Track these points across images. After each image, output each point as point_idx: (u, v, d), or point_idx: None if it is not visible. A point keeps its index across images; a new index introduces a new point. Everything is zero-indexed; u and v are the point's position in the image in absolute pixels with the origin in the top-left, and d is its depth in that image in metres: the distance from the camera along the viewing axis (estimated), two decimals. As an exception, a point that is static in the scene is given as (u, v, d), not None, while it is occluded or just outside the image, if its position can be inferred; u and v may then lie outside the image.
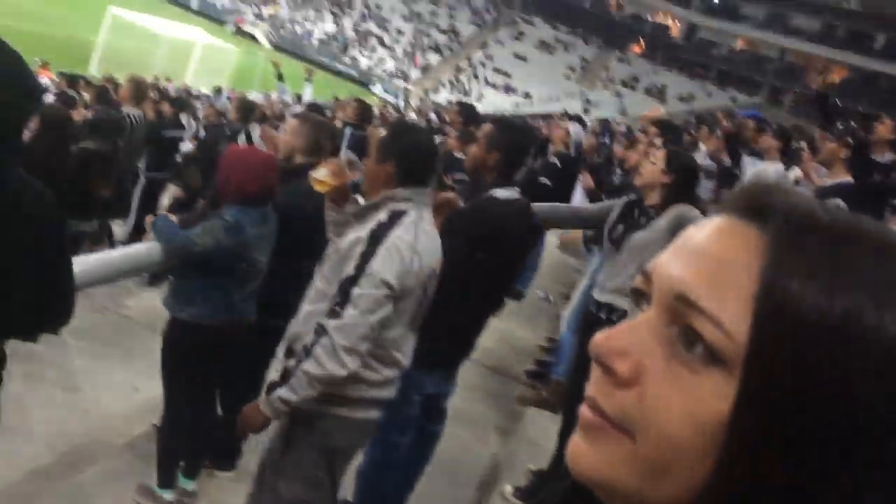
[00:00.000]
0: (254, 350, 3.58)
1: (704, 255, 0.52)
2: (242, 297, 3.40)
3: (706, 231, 0.53)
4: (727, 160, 6.71)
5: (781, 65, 52.37)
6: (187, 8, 46.95)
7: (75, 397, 4.44)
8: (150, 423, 3.93)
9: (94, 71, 14.74)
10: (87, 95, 8.12)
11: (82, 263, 3.03)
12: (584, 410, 0.53)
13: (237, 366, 3.56)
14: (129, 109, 6.74)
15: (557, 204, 4.42)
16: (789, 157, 6.78)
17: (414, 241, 2.50)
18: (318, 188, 2.74)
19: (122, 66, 15.81)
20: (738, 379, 0.48)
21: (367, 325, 2.43)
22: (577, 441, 0.53)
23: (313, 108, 7.89)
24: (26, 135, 4.80)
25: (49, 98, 7.56)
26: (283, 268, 3.53)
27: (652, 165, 3.59)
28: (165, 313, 3.44)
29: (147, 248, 3.44)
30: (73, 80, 9.89)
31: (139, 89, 6.99)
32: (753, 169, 6.42)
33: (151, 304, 4.17)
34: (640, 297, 0.56)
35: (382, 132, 2.73)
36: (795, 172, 6.21)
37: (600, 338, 0.53)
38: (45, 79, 11.33)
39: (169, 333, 3.43)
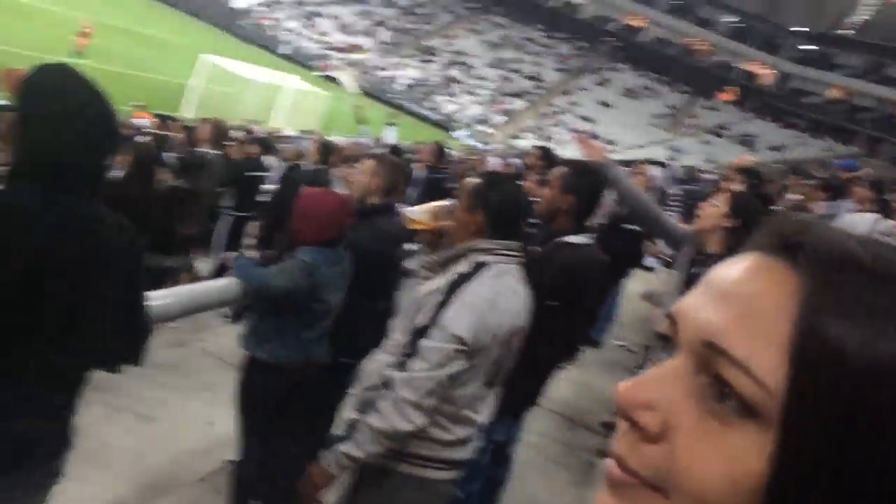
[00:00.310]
0: (326, 389, 3.59)
1: (733, 297, 0.47)
2: (315, 336, 3.42)
3: (734, 271, 0.49)
4: (819, 209, 6.48)
5: (879, 114, 50.75)
6: (277, 54, 48.54)
7: (153, 428, 4.52)
8: (224, 458, 3.97)
9: (186, 113, 15.37)
10: (178, 136, 8.47)
11: (162, 297, 3.11)
12: (611, 467, 0.49)
13: (310, 405, 3.57)
14: (208, 150, 6.97)
15: (644, 196, 3.93)
16: (883, 208, 6.52)
17: (494, 295, 2.39)
18: (412, 227, 2.71)
19: (212, 109, 16.43)
20: (775, 433, 0.43)
21: (435, 379, 2.32)
22: (605, 499, 0.49)
23: (392, 149, 8.02)
24: (118, 172, 5.02)
25: (144, 138, 7.90)
26: (356, 307, 3.55)
27: (713, 208, 3.30)
28: (242, 350, 3.49)
29: (225, 285, 3.51)
30: (165, 122, 10.34)
31: (218, 131, 7.22)
32: (844, 218, 6.18)
33: (230, 340, 4.26)
34: (666, 342, 0.51)
35: (473, 180, 2.64)
36: (888, 224, 5.94)
37: (625, 389, 0.48)
38: (143, 120, 11.87)
39: (244, 371, 3.47)
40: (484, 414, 2.58)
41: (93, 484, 3.71)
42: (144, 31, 35.33)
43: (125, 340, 2.10)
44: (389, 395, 2.34)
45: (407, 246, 3.78)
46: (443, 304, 2.36)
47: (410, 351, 2.36)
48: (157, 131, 8.46)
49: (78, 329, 1.92)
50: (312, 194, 3.40)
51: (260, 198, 7.68)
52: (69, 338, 1.91)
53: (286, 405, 3.45)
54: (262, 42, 50.32)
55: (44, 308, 1.84)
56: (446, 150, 8.69)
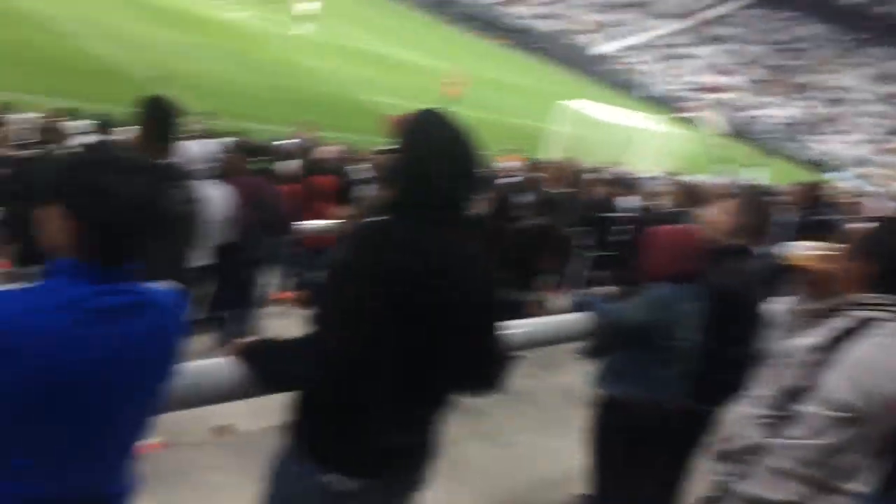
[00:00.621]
0: (680, 434, 3.48)
1: None
2: (672, 377, 3.33)
3: None
4: None
5: None
6: (636, 96, 48.59)
7: (509, 454, 4.73)
8: (574, 491, 4.00)
9: (545, 156, 16.09)
10: (538, 177, 8.89)
11: (517, 327, 3.25)
12: None
13: (662, 448, 3.48)
14: (559, 189, 7.21)
15: None
16: None
17: (884, 358, 2.10)
18: (797, 266, 2.51)
19: (571, 151, 16.99)
20: None
21: (814, 448, 2.12)
22: None
23: (755, 190, 7.62)
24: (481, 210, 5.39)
25: (506, 179, 8.41)
26: (713, 350, 3.40)
27: None
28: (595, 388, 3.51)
29: (578, 319, 3.58)
30: (527, 164, 10.93)
31: (572, 172, 7.45)
32: None
33: (581, 377, 4.34)
34: None
35: (862, 226, 2.39)
36: None
37: None
38: (507, 163, 12.73)
39: (596, 408, 3.49)
40: (864, 487, 2.28)
41: (450, 497, 3.96)
42: (506, 80, 37.70)
43: (483, 367, 2.23)
44: (763, 461, 2.20)
45: (770, 291, 3.55)
46: (822, 364, 2.15)
47: (783, 412, 2.19)
48: (519, 173, 8.99)
49: (441, 353, 2.07)
50: (664, 230, 3.37)
51: (614, 237, 7.76)
52: (433, 361, 2.06)
53: (638, 445, 3.39)
54: (621, 85, 50.81)
55: (414, 332, 2.01)
56: (823, 192, 8.04)
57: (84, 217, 1.63)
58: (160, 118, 3.71)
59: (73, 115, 10.86)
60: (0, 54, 17.22)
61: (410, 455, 2.20)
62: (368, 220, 2.21)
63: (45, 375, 1.60)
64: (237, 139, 9.02)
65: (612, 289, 3.75)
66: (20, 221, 5.15)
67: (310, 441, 2.11)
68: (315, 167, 8.15)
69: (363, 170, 7.87)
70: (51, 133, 7.89)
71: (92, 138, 8.09)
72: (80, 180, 1.65)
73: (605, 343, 3.48)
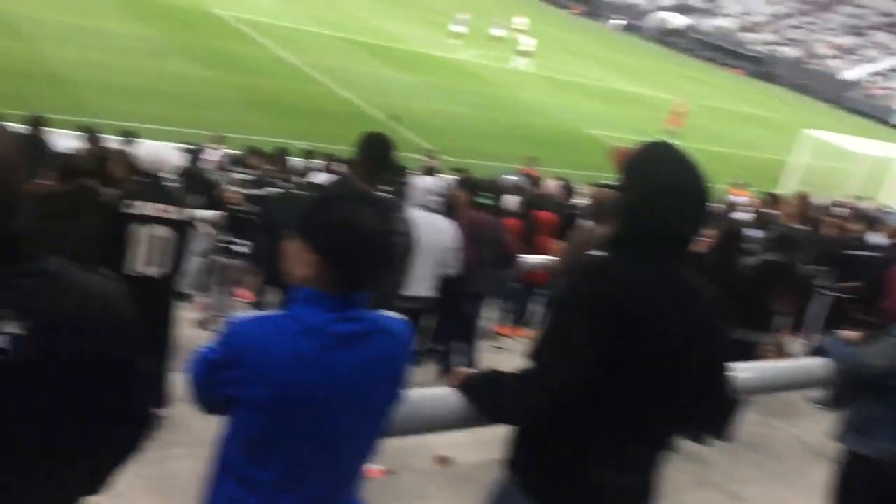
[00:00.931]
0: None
1: None
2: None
3: None
4: None
5: None
6: (891, 125, 44.62)
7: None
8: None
9: (786, 190, 15.02)
10: (775, 213, 8.45)
11: (747, 370, 3.06)
12: None
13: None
14: (797, 225, 6.81)
15: None
16: None
17: None
18: None
19: (814, 185, 15.94)
20: None
21: None
22: None
23: None
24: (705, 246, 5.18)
25: (738, 214, 8.08)
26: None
27: None
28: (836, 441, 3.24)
29: (814, 364, 3.33)
30: (764, 199, 10.39)
31: (804, 206, 7.02)
32: None
33: (821, 427, 3.99)
34: None
35: None
36: None
37: None
38: (738, 197, 12.21)
39: (840, 466, 3.21)
40: None
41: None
42: (740, 110, 36.07)
43: (708, 409, 2.12)
44: None
45: None
46: None
47: None
48: (751, 207, 8.59)
49: (663, 392, 1.99)
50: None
51: (857, 277, 7.17)
52: (654, 399, 1.99)
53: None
54: (873, 113, 46.88)
55: (633, 368, 1.95)
56: None
57: (322, 250, 1.77)
58: (377, 155, 3.90)
59: (311, 154, 11.80)
60: (252, 102, 19.06)
61: (629, 495, 2.13)
62: (589, 255, 2.18)
63: (290, 395, 1.75)
64: (462, 175, 9.32)
65: (855, 332, 3.42)
66: (264, 255, 5.63)
67: (526, 476, 2.11)
68: (537, 202, 8.24)
69: (585, 205, 7.83)
70: (291, 172, 8.58)
71: (327, 176, 8.71)
72: (318, 217, 1.80)
73: (846, 391, 3.21)
